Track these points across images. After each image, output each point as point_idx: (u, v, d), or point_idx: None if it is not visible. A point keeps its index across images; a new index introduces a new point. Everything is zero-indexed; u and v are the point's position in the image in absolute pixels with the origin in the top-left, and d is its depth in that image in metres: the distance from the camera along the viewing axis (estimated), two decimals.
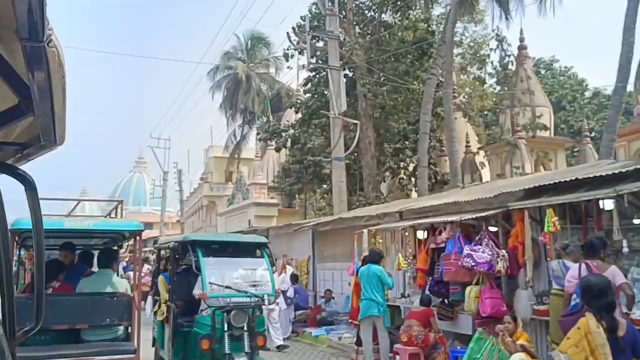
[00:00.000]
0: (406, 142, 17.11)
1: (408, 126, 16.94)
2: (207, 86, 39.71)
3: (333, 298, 12.30)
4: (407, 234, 8.81)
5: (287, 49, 21.50)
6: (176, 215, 49.25)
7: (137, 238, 6.36)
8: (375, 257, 8.11)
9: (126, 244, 9.11)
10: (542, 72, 34.35)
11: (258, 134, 24.08)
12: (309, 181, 19.54)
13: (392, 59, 18.56)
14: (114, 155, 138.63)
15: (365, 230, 9.72)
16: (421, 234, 8.70)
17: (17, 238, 5.76)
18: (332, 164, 15.01)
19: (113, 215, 7.66)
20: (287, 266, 12.43)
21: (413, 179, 17.56)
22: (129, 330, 6.03)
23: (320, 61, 20.31)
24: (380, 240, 9.63)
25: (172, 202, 46.63)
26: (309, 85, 19.65)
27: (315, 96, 18.84)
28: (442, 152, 18.20)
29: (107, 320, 5.72)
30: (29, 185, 1.32)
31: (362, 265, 8.57)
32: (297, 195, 25.14)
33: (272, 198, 25.31)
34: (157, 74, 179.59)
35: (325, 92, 18.82)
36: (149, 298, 14.74)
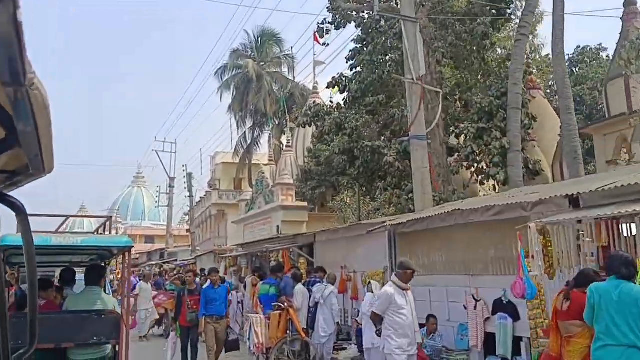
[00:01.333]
0: (491, 122, 13.36)
1: (495, 100, 13.21)
2: (215, 87, 36.40)
3: (437, 329, 8.51)
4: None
5: (322, 24, 17.97)
6: (180, 227, 45.68)
7: (127, 254, 6.04)
8: (629, 270, 4.32)
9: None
10: (588, 61, 31.56)
11: (297, 117, 20.42)
12: (357, 175, 15.75)
13: (460, 24, 15.01)
14: (112, 169, 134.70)
15: (532, 225, 6.02)
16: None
17: (2, 255, 5.14)
18: (411, 145, 11.29)
19: (102, 231, 7.33)
20: (373, 282, 8.64)
21: (497, 169, 13.80)
22: (117, 349, 5.74)
23: (368, 30, 16.78)
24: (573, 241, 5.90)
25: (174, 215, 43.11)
26: (358, 57, 15.96)
27: (369, 68, 15.13)
28: (530, 136, 14.49)
29: (95, 338, 5.46)
30: (19, 211, 1.27)
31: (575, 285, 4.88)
32: (315, 200, 21.64)
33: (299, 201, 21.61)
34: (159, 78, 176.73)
35: (383, 61, 15.16)
36: (171, 333, 10.66)
